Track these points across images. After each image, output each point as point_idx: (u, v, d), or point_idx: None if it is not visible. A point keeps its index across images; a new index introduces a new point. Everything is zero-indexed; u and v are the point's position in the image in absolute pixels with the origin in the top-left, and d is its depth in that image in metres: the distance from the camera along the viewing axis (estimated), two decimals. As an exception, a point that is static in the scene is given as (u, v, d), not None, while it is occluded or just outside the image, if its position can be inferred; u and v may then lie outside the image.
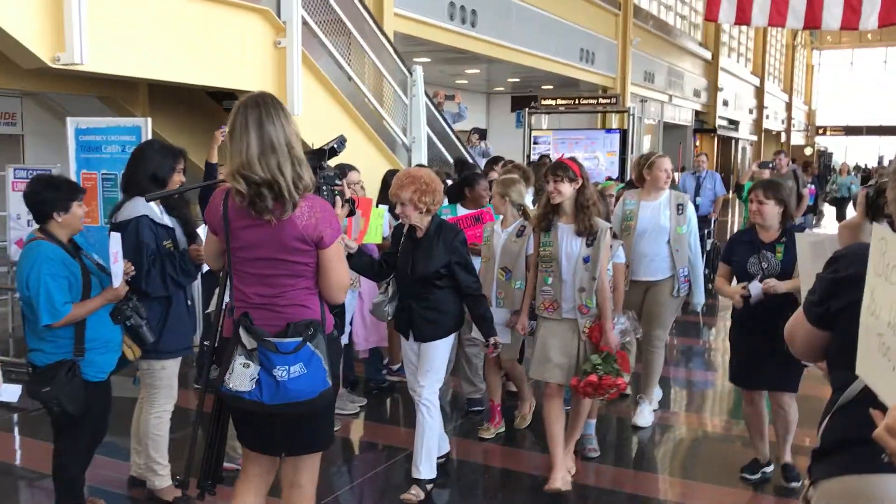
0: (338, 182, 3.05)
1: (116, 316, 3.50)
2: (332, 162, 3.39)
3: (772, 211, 4.24)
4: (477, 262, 4.89)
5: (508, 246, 4.94)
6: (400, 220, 4.28)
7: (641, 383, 5.55)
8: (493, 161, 8.82)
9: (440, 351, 4.24)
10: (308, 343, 2.69)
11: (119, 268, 3.46)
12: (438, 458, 4.39)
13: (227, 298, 2.89)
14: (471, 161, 9.87)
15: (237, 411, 2.84)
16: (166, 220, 3.92)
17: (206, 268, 3.90)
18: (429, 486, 4.25)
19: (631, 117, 15.20)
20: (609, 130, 16.03)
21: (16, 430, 5.27)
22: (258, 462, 2.98)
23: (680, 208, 5.40)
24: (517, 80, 19.82)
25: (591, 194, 4.28)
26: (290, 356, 2.65)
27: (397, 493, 4.25)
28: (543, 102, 16.56)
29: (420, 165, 7.65)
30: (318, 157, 2.95)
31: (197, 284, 4.28)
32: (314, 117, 8.10)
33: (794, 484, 4.39)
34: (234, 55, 7.42)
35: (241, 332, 2.70)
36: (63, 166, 6.08)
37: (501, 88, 21.88)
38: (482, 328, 4.31)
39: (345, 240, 4.05)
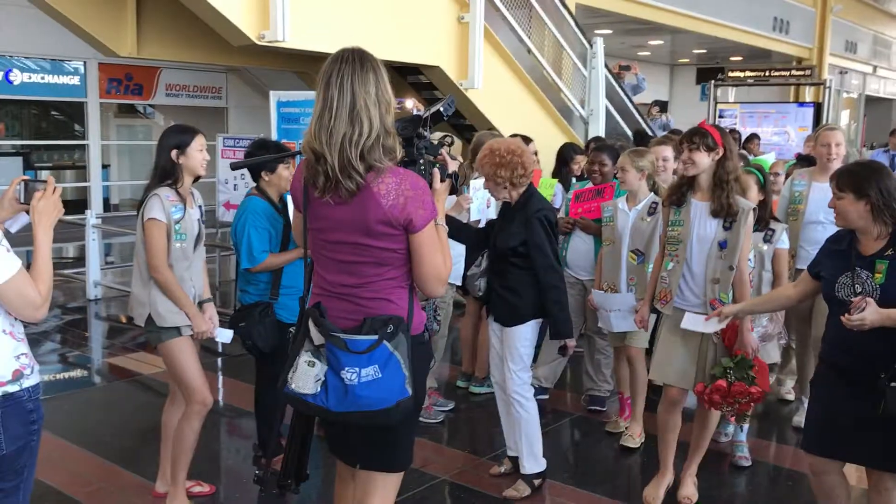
0: (439, 153, 2.60)
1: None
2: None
3: (851, 209, 2.93)
4: (583, 240, 4.70)
5: (638, 225, 4.40)
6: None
7: (801, 387, 4.84)
8: (673, 134, 8.66)
9: (520, 338, 3.82)
10: (385, 342, 2.29)
11: None
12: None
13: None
14: (650, 134, 9.72)
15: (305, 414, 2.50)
16: None
17: None
18: (536, 482, 3.91)
19: (827, 90, 14.29)
20: (801, 104, 15.17)
21: (219, 372, 5.87)
22: (348, 469, 2.64)
23: None
24: (703, 51, 19.11)
25: (734, 168, 3.65)
26: (363, 356, 2.27)
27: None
28: (731, 74, 15.88)
29: (597, 138, 7.65)
30: (414, 124, 2.52)
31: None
32: (493, 90, 8.31)
33: None
34: (420, 31, 7.74)
35: (310, 324, 2.36)
36: (265, 136, 6.64)
37: (686, 60, 21.16)
38: (552, 325, 3.81)
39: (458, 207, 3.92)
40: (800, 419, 4.83)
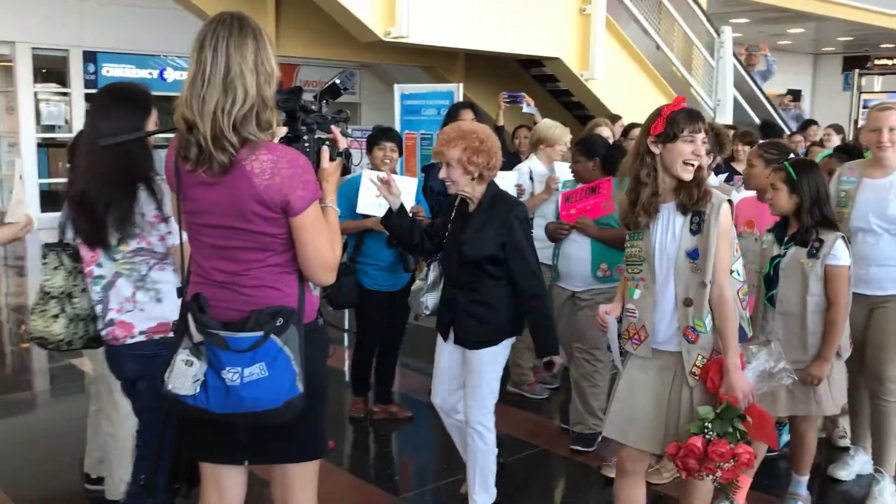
0: (333, 128, 2.35)
1: (390, 241, 4.19)
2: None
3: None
4: (578, 246, 4.04)
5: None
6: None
7: (873, 450, 3.76)
8: (805, 125, 8.41)
9: (492, 361, 3.36)
10: (273, 337, 2.09)
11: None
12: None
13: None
14: (780, 124, 9.46)
15: (183, 417, 2.26)
16: None
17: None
18: None
19: None
20: (957, 91, 14.22)
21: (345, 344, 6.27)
22: (217, 479, 2.36)
23: None
24: (850, 38, 18.16)
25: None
26: (246, 355, 2.07)
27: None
28: (877, 62, 15.07)
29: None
30: (295, 96, 2.31)
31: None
32: (615, 80, 8.36)
33: None
34: (542, 24, 7.90)
35: (191, 318, 2.13)
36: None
37: (832, 48, 20.14)
38: (537, 341, 3.35)
39: (384, 192, 3.38)
40: (840, 470, 3.93)
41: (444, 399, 3.52)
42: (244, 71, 2.04)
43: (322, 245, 2.16)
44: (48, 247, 2.84)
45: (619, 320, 2.96)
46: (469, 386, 3.38)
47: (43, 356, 6.12)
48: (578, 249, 4.05)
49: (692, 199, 2.68)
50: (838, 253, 3.25)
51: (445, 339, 3.44)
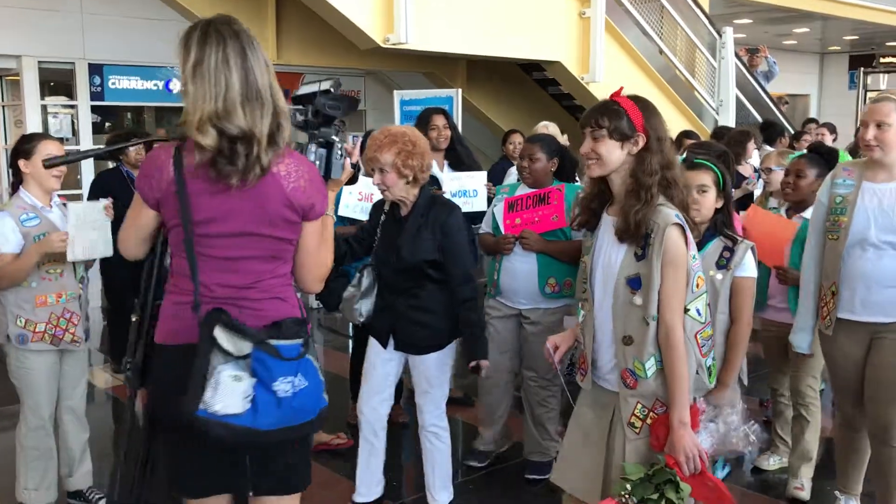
0: (340, 138, 2.35)
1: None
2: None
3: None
4: (523, 260, 3.78)
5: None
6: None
7: (879, 500, 3.32)
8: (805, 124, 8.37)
9: (440, 364, 3.34)
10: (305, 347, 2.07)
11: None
12: None
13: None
14: (783, 124, 9.44)
15: (215, 440, 1.95)
16: None
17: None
18: None
19: None
20: (964, 89, 14.12)
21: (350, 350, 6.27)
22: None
23: None
24: (856, 37, 18.07)
25: (663, 163, 2.33)
26: (293, 364, 1.97)
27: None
28: (883, 61, 15.00)
29: (722, 128, 7.52)
30: (304, 103, 2.30)
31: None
32: (616, 83, 8.28)
33: None
34: (542, 28, 7.90)
35: (221, 333, 1.94)
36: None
37: (837, 48, 20.04)
38: (470, 342, 3.27)
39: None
40: None
41: (375, 409, 3.45)
42: (273, 83, 2.10)
43: (325, 253, 2.23)
44: None
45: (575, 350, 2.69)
46: (420, 392, 3.39)
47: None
48: (523, 263, 3.75)
49: (625, 227, 2.29)
50: (747, 263, 2.97)
51: (384, 345, 3.39)
